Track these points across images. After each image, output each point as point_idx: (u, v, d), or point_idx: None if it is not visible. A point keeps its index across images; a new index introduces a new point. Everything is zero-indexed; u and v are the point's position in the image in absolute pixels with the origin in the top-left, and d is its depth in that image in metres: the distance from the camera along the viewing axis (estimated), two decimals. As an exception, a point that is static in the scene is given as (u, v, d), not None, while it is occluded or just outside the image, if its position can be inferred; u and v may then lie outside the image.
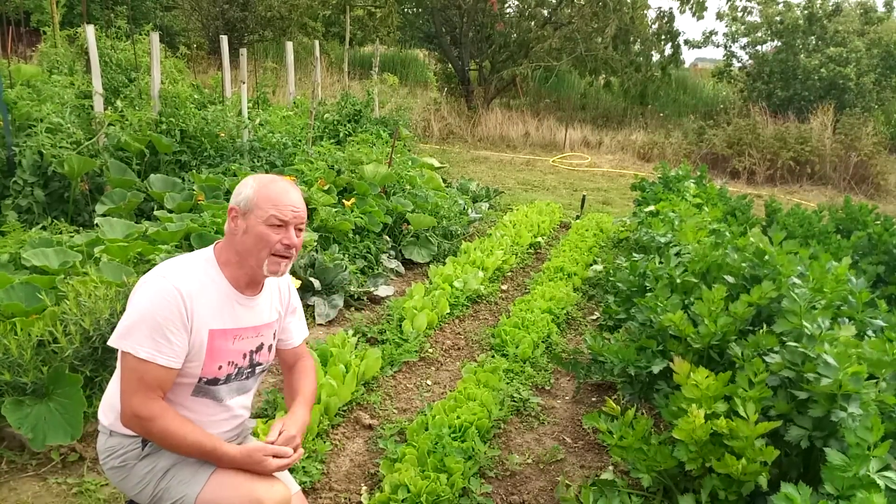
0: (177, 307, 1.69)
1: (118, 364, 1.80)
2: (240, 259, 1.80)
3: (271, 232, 1.76)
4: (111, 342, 1.69)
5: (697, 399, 2.31)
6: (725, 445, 2.21)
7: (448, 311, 4.72)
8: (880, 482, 1.74)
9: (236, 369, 1.84)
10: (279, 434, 1.81)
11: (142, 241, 3.88)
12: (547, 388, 3.91)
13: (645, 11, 16.09)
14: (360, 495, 2.74)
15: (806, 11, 15.55)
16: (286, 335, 2.04)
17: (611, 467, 3.04)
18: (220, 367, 1.79)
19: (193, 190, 5.21)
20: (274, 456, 1.76)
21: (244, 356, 1.85)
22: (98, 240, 3.88)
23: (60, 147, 4.75)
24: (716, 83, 18.97)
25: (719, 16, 17.10)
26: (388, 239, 5.76)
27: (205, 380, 1.78)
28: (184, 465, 1.77)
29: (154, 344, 1.66)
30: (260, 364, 1.92)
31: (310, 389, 2.03)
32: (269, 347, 1.95)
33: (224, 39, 7.37)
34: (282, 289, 2.01)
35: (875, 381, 2.11)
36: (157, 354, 1.66)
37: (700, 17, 16.48)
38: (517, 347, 4.15)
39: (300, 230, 1.82)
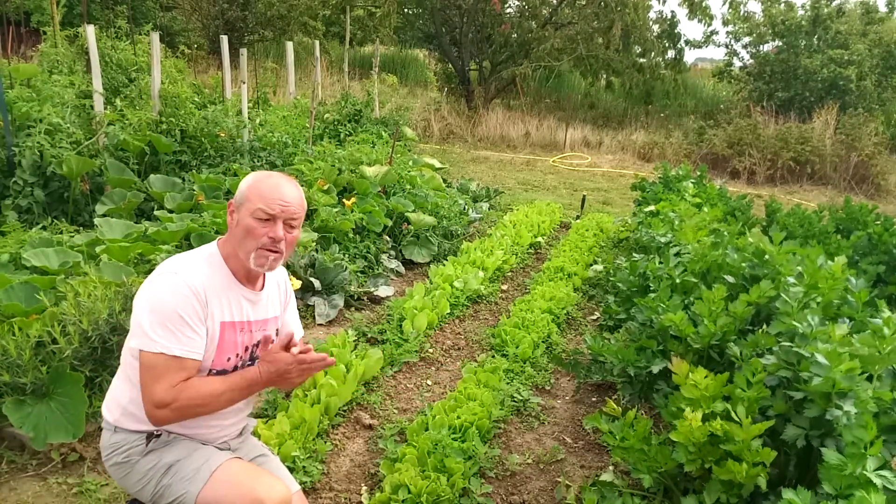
0: (196, 300, 1.72)
1: (122, 360, 1.82)
2: (234, 253, 1.82)
3: (258, 225, 1.76)
4: (137, 345, 1.69)
5: (696, 399, 2.31)
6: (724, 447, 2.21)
7: (448, 311, 4.72)
8: (877, 481, 1.74)
9: (241, 361, 1.86)
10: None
11: (142, 242, 3.88)
12: (547, 388, 3.91)
13: (648, 14, 16.07)
14: (361, 495, 2.74)
15: (812, 13, 15.51)
16: (285, 331, 2.04)
17: (611, 468, 3.04)
18: (228, 359, 1.82)
19: (193, 190, 5.21)
20: (300, 363, 1.75)
21: (246, 349, 1.87)
22: (98, 240, 3.88)
23: (60, 147, 4.75)
24: (716, 83, 18.96)
25: (725, 22, 17.10)
26: (389, 239, 5.76)
27: (214, 371, 1.80)
28: (186, 462, 1.78)
29: (183, 339, 1.69)
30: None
31: None
32: (272, 340, 1.96)
33: (224, 39, 7.37)
34: (280, 284, 2.02)
35: (870, 377, 2.11)
36: (189, 350, 1.69)
37: (708, 24, 16.46)
38: (517, 347, 4.15)
39: (291, 226, 1.81)
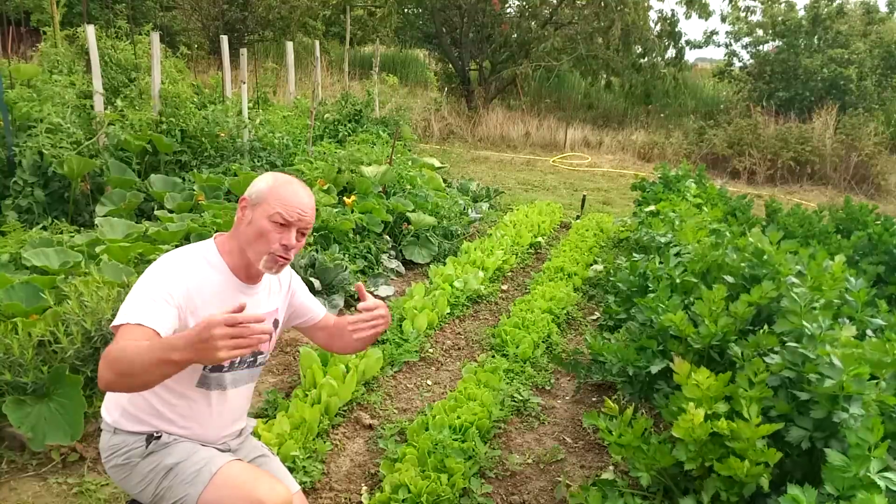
0: (178, 284, 1.69)
1: None
2: (240, 249, 1.81)
3: (273, 229, 1.76)
4: (112, 326, 1.67)
5: (698, 399, 2.31)
6: (726, 446, 2.21)
7: (448, 311, 4.72)
8: (881, 483, 1.74)
9: (238, 357, 1.84)
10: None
11: (142, 242, 3.89)
12: (547, 388, 3.91)
13: (648, 13, 16.07)
14: (361, 495, 2.74)
15: (812, 12, 15.52)
16: (306, 314, 2.06)
17: (611, 467, 3.05)
18: None
19: (194, 190, 5.21)
20: (229, 325, 1.41)
21: None
22: (98, 240, 3.89)
23: (60, 147, 4.75)
24: (716, 83, 18.96)
25: (723, 18, 17.09)
26: (389, 239, 5.76)
27: (209, 369, 1.79)
28: (187, 464, 1.77)
29: (146, 310, 1.61)
30: (261, 353, 1.93)
31: None
32: (269, 336, 1.95)
33: (224, 39, 7.38)
34: (281, 277, 2.01)
35: (875, 381, 2.11)
36: (147, 316, 1.60)
37: (706, 18, 16.45)
38: (517, 347, 4.15)
39: (303, 234, 1.82)
